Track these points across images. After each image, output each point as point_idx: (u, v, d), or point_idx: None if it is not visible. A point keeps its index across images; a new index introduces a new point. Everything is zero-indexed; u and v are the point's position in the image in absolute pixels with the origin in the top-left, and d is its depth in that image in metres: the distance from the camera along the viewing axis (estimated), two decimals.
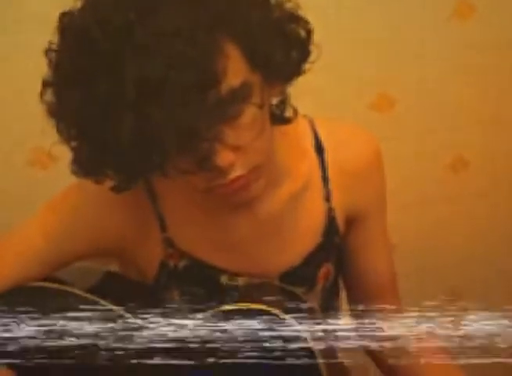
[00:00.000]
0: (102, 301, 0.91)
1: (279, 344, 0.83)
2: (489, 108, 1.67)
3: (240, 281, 0.96)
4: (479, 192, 1.76)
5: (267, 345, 0.83)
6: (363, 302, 1.04)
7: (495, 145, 1.72)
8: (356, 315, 0.95)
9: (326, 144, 0.98)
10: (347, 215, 1.02)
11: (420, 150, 1.67)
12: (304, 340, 0.84)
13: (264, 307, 0.86)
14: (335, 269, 1.04)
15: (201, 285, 0.95)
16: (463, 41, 1.58)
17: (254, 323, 0.84)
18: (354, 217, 1.03)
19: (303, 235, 0.99)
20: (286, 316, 0.85)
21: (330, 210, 0.99)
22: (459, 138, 1.68)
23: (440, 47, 1.57)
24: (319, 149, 0.98)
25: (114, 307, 0.90)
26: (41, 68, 1.31)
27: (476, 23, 1.56)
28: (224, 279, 0.95)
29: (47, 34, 1.36)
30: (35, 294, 0.92)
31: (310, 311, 0.93)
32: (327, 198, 0.99)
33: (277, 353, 0.83)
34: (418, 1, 1.52)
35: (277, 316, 0.85)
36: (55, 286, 0.92)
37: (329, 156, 0.98)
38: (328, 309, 1.04)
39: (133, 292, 0.98)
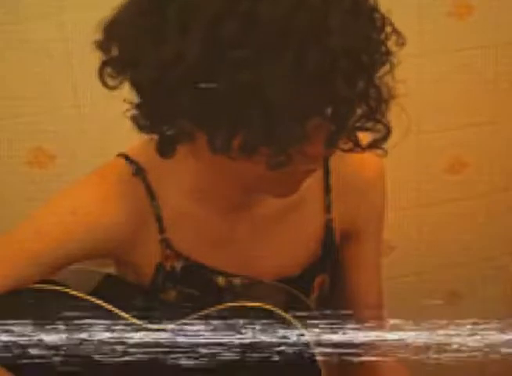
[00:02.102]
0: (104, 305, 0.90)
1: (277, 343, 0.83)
2: (487, 108, 1.68)
3: (237, 282, 0.96)
4: (478, 193, 1.76)
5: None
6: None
7: (493, 146, 1.72)
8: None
9: None
10: (343, 229, 1.01)
11: (419, 151, 1.67)
12: (305, 342, 0.84)
13: (262, 305, 0.86)
14: (331, 280, 1.03)
15: (198, 287, 0.95)
16: (461, 41, 1.58)
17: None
18: (349, 232, 1.02)
19: (301, 243, 0.98)
20: (286, 315, 0.85)
21: (330, 221, 0.99)
22: (458, 139, 1.68)
23: (437, 47, 1.57)
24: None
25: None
26: (40, 68, 1.31)
27: (474, 23, 1.56)
28: (221, 280, 0.95)
29: (46, 33, 1.37)
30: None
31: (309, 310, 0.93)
32: (328, 209, 0.98)
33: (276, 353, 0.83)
34: (416, 0, 1.52)
35: (276, 314, 0.85)
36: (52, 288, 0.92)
37: (332, 165, 0.97)
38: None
39: (133, 295, 0.98)
